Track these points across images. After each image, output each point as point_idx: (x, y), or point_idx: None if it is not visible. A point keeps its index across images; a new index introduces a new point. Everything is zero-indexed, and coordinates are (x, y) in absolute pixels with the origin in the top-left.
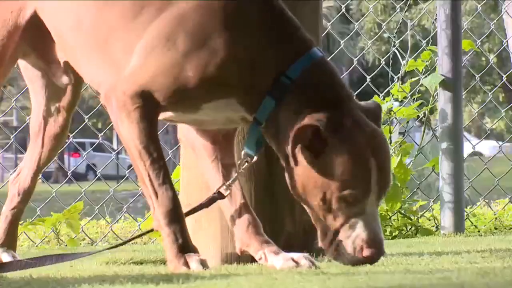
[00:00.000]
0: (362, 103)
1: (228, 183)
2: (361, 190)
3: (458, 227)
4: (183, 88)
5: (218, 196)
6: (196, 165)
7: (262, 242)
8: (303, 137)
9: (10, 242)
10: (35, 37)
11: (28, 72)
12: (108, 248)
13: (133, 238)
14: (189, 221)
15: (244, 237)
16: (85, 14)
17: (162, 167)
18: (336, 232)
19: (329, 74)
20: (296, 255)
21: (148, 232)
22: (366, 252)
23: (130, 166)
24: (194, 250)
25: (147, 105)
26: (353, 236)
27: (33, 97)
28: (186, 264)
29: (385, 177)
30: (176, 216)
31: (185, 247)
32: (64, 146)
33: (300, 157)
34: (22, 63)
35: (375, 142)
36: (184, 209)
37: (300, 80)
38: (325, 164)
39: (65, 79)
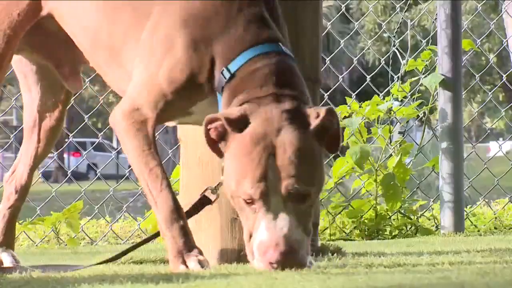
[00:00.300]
0: (307, 106)
1: (214, 186)
2: (254, 187)
3: (458, 226)
4: (164, 99)
5: (206, 201)
6: (196, 164)
7: None
8: (207, 132)
9: (8, 241)
10: (41, 38)
11: (22, 66)
12: (99, 263)
13: (141, 244)
14: (189, 221)
15: None
16: (101, 28)
17: (160, 175)
18: (250, 233)
19: (264, 70)
20: None
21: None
22: (269, 257)
23: (130, 166)
24: (195, 250)
25: (140, 120)
26: (257, 239)
27: (26, 91)
28: (184, 263)
29: (286, 175)
30: (175, 219)
31: (185, 247)
32: (64, 146)
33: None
34: (14, 57)
35: (279, 140)
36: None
37: (238, 74)
38: (227, 162)
39: (78, 85)
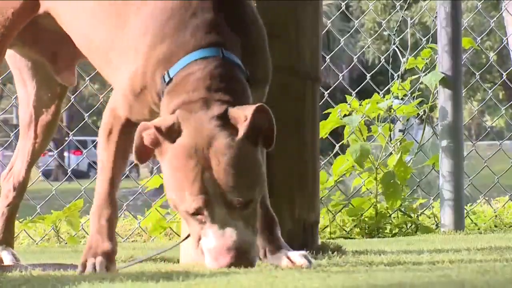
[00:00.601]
0: (237, 108)
1: None
2: (195, 201)
3: (458, 225)
4: (130, 103)
5: None
6: None
7: (265, 239)
8: (138, 139)
9: (8, 239)
10: (34, 33)
11: (16, 61)
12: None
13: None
14: None
15: None
16: (93, 30)
17: (106, 168)
18: (198, 238)
19: (198, 74)
20: (293, 254)
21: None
22: (220, 262)
23: (130, 164)
24: (108, 248)
25: (115, 118)
26: (207, 247)
27: (21, 87)
28: (84, 265)
29: (225, 186)
30: (101, 215)
31: (98, 244)
32: (65, 144)
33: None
34: (8, 52)
35: (212, 150)
36: None
37: (174, 79)
38: (165, 172)
39: (72, 80)
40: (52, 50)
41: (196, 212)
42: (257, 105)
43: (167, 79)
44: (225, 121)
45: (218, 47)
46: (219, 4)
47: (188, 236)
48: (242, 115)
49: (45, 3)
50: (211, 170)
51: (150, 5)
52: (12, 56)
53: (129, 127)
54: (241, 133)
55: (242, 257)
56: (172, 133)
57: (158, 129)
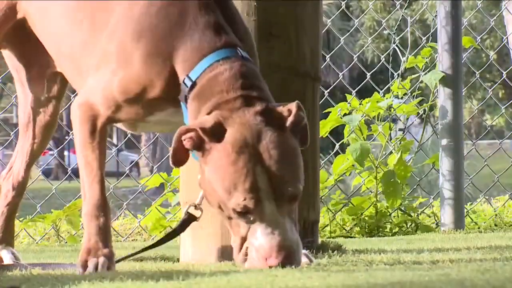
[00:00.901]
0: (275, 104)
1: (196, 202)
2: (247, 198)
3: (458, 224)
4: (117, 105)
5: (191, 218)
6: (195, 162)
7: None
8: (177, 143)
9: (8, 239)
10: (18, 38)
11: (14, 61)
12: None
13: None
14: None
15: None
16: (63, 36)
17: (95, 170)
18: (243, 238)
19: (226, 74)
20: None
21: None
22: (270, 262)
23: (131, 162)
24: (104, 250)
25: (92, 113)
26: (257, 245)
27: (19, 87)
28: (85, 265)
29: (277, 180)
30: (96, 216)
31: (95, 246)
32: (65, 143)
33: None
34: (6, 53)
35: (262, 145)
36: (183, 208)
37: (199, 81)
38: (209, 171)
39: (39, 90)
40: (28, 57)
41: (245, 210)
42: (296, 102)
43: (189, 83)
44: (269, 117)
45: (233, 47)
46: (212, 4)
47: (148, 247)
48: (286, 110)
49: (22, 7)
50: (264, 164)
51: (136, 8)
52: (10, 56)
53: (108, 124)
54: (288, 127)
55: (291, 257)
56: (217, 132)
57: (203, 130)
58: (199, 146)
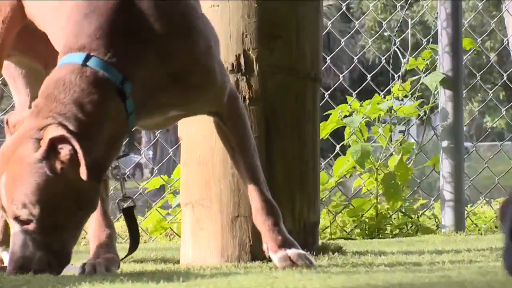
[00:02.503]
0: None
1: (120, 197)
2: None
3: (459, 225)
4: None
5: (129, 211)
6: (196, 163)
7: (266, 234)
8: None
9: (8, 241)
10: (29, 40)
11: (11, 71)
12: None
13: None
14: (190, 220)
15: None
16: (58, 37)
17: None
18: None
19: (50, 81)
20: (293, 254)
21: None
22: (8, 270)
23: (133, 164)
24: (106, 257)
25: None
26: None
27: (16, 95)
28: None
29: (8, 202)
30: (101, 239)
31: (96, 256)
32: None
33: None
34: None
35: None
36: (183, 207)
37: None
38: None
39: None
40: (44, 56)
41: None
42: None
43: None
44: (41, 136)
45: (83, 53)
46: (122, 6)
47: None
48: (47, 138)
49: (28, 10)
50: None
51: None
52: (8, 66)
53: None
54: (38, 154)
55: (19, 270)
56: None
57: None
58: None
